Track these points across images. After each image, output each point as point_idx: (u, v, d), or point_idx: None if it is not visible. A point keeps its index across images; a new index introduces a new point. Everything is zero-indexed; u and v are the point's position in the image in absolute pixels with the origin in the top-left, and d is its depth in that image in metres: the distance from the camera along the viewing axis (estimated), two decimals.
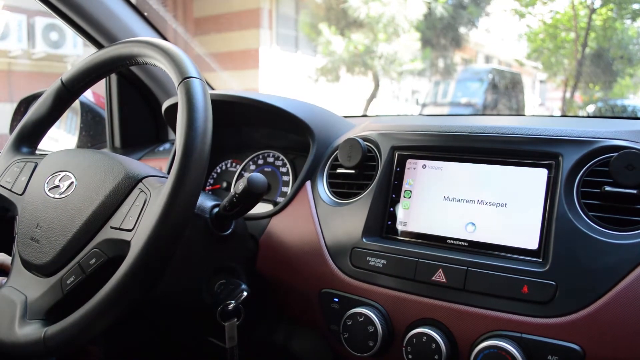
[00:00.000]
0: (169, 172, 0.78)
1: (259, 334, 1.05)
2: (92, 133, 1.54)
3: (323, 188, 0.95)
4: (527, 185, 0.77)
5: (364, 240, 0.85)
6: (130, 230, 0.70)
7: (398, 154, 0.90)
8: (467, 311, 0.74)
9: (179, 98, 0.71)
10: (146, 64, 0.79)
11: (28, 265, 0.78)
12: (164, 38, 1.43)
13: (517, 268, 0.72)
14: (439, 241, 0.82)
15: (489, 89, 9.01)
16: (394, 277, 0.81)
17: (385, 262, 0.82)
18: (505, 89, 9.23)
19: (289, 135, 1.10)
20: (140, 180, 0.76)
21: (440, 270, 0.77)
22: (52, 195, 0.80)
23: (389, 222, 0.87)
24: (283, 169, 1.13)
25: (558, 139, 0.77)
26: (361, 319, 0.80)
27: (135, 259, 0.64)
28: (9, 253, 0.88)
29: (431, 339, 0.74)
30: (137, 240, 0.66)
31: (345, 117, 1.19)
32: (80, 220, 0.75)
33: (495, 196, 0.79)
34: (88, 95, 1.56)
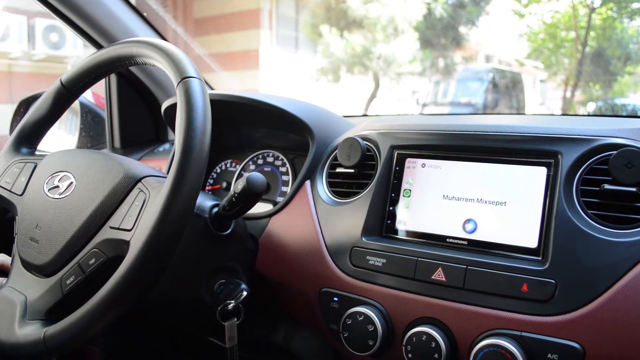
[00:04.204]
0: (168, 172, 0.78)
1: (259, 334, 1.05)
2: (91, 133, 1.55)
3: (322, 187, 0.95)
4: (527, 184, 0.77)
5: (363, 239, 0.85)
6: (129, 230, 0.70)
7: (397, 153, 0.90)
8: (466, 310, 0.74)
9: (178, 98, 0.71)
10: (145, 64, 0.79)
11: (28, 266, 0.78)
12: (164, 38, 1.43)
13: (517, 266, 0.72)
14: (438, 240, 0.82)
15: (489, 89, 9.00)
16: (394, 276, 0.81)
17: (384, 261, 0.82)
18: (506, 89, 9.22)
19: (288, 135, 1.10)
20: (140, 180, 0.76)
21: (440, 269, 0.77)
22: (51, 195, 0.80)
23: (389, 221, 0.87)
24: (283, 169, 1.13)
25: (557, 137, 0.77)
26: (361, 318, 0.80)
27: (135, 258, 0.64)
28: (8, 253, 0.88)
29: (431, 337, 0.74)
30: (137, 240, 0.66)
31: (345, 116, 1.19)
32: (79, 220, 0.75)
33: (494, 195, 0.79)
34: (88, 96, 1.56)
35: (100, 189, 0.77)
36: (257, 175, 0.78)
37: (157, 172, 0.80)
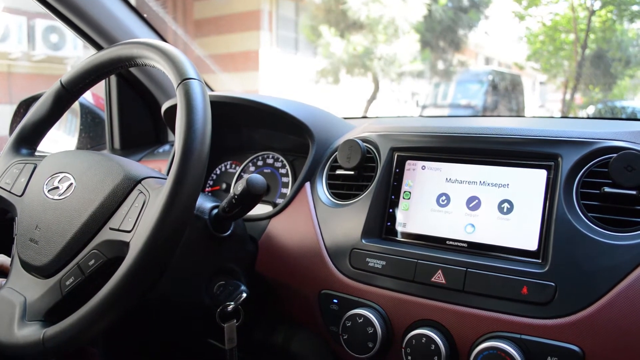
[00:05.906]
0: (168, 174, 0.78)
1: (258, 335, 1.05)
2: (91, 134, 1.55)
3: (322, 189, 0.95)
4: (527, 186, 0.77)
5: (363, 241, 0.85)
6: (129, 232, 0.70)
7: (397, 155, 0.90)
8: (466, 312, 0.74)
9: (178, 99, 0.71)
10: (145, 65, 0.80)
11: (27, 267, 0.77)
12: (164, 40, 1.43)
13: (517, 269, 0.72)
14: (438, 242, 0.82)
15: (488, 91, 9.01)
16: (394, 278, 0.81)
17: (384, 263, 0.82)
18: (505, 91, 9.24)
19: (288, 137, 1.10)
20: (140, 181, 0.76)
21: (440, 271, 0.77)
22: (51, 196, 0.80)
23: (388, 223, 0.87)
24: (282, 170, 1.13)
25: (557, 140, 0.77)
26: (360, 320, 0.80)
27: (134, 260, 0.64)
28: (8, 254, 0.88)
29: (431, 340, 0.74)
30: (136, 242, 0.66)
31: (345, 118, 1.19)
32: (79, 221, 0.75)
33: (494, 197, 0.79)
34: (87, 97, 1.56)
35: (100, 190, 0.77)
36: (257, 177, 0.78)
37: (157, 174, 0.80)
